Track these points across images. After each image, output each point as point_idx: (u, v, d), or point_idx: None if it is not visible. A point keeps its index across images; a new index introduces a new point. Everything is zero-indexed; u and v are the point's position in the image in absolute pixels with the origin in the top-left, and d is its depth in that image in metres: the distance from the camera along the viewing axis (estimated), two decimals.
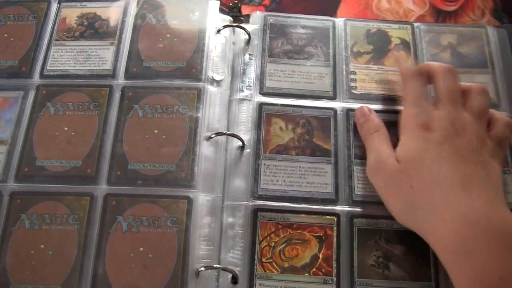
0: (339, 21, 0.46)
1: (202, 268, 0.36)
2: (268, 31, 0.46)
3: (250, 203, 0.39)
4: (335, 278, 0.36)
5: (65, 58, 0.44)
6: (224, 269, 0.36)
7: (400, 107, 0.41)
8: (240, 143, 0.40)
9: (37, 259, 0.36)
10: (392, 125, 0.39)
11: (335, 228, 0.38)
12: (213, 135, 0.40)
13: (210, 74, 0.43)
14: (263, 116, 0.42)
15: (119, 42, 0.45)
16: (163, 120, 0.41)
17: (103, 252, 0.36)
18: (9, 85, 0.43)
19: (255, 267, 0.37)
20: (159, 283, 0.35)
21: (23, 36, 0.45)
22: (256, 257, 0.37)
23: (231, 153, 0.41)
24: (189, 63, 0.43)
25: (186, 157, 0.39)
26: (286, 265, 0.37)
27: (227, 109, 0.42)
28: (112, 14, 0.46)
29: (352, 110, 0.42)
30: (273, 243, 0.37)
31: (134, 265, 0.36)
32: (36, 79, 0.43)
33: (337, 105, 0.42)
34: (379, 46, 0.45)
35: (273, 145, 0.41)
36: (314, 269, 0.37)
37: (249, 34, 0.45)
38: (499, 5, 0.50)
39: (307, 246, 0.37)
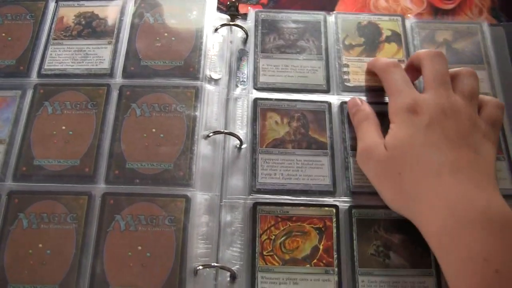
0: (330, 15, 0.47)
1: (200, 267, 0.36)
2: (260, 27, 0.46)
3: (249, 199, 0.39)
4: (336, 269, 0.37)
5: (62, 57, 0.44)
6: (222, 268, 0.36)
7: None
8: (238, 142, 0.40)
9: (35, 258, 0.36)
10: (386, 116, 0.39)
11: (334, 219, 0.38)
12: (211, 134, 0.40)
13: (207, 72, 0.43)
14: (258, 111, 0.42)
15: (117, 41, 0.44)
16: (161, 119, 0.41)
17: (101, 251, 0.36)
18: (7, 84, 0.43)
19: (256, 260, 0.37)
20: (157, 282, 0.35)
21: (20, 35, 0.45)
22: (257, 250, 0.37)
23: (229, 151, 0.41)
24: (186, 62, 0.43)
25: (184, 156, 0.39)
26: (287, 257, 0.37)
27: (224, 107, 0.42)
28: (109, 13, 0.46)
29: (346, 102, 0.42)
30: (273, 236, 0.38)
31: (132, 264, 0.36)
32: (34, 78, 0.43)
33: (331, 98, 0.43)
34: (371, 38, 0.45)
35: (269, 139, 0.41)
36: (315, 260, 0.37)
37: (246, 33, 0.45)
38: (497, 3, 0.50)
39: (307, 238, 0.38)
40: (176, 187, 0.38)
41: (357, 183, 0.39)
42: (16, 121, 0.41)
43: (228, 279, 0.36)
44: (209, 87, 0.42)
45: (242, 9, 0.49)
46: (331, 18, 0.46)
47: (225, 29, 0.46)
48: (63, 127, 0.41)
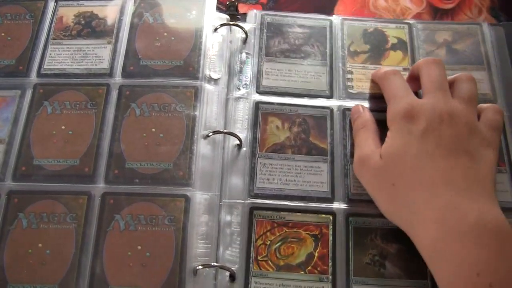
0: (336, 20, 0.46)
1: (200, 267, 0.36)
2: (265, 30, 0.45)
3: (246, 203, 0.39)
4: (330, 277, 0.36)
5: (62, 57, 0.44)
6: (222, 267, 0.36)
7: None
8: (238, 142, 0.40)
9: (35, 258, 0.36)
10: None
11: (330, 227, 0.38)
12: (211, 134, 0.40)
13: (207, 72, 0.43)
14: (260, 115, 0.42)
15: (116, 41, 0.44)
16: (161, 119, 0.41)
17: (101, 251, 0.36)
18: (6, 84, 0.43)
19: (251, 265, 0.37)
20: (157, 281, 0.35)
21: (20, 35, 0.45)
22: (251, 255, 0.37)
23: (228, 151, 0.41)
24: (186, 62, 0.43)
25: (183, 155, 0.39)
26: (281, 263, 0.37)
27: (224, 107, 0.42)
28: (109, 12, 0.46)
29: (349, 109, 0.42)
30: (269, 241, 0.37)
31: (132, 263, 0.36)
32: (33, 78, 0.43)
33: (334, 104, 0.42)
34: (376, 46, 0.45)
35: (269, 144, 0.41)
36: (309, 267, 0.37)
37: (246, 33, 0.45)
38: (496, 3, 0.50)
39: (302, 245, 0.37)
40: (175, 186, 0.38)
41: (356, 191, 0.39)
42: (16, 120, 0.41)
43: (228, 278, 0.36)
44: (208, 86, 0.42)
45: (241, 8, 0.49)
46: (337, 24, 0.46)
47: (224, 29, 0.46)
48: (63, 127, 0.41)
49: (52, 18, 0.46)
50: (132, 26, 0.45)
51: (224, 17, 0.46)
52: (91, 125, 0.41)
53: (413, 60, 0.44)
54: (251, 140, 0.41)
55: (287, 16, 0.46)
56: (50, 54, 0.44)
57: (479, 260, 0.30)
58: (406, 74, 0.41)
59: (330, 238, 0.37)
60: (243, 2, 0.50)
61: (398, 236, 0.37)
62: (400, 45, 0.45)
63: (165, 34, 0.45)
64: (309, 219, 0.38)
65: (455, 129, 0.34)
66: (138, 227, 0.37)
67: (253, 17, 0.46)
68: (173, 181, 0.38)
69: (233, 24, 0.45)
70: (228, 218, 0.38)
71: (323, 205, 0.39)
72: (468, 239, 0.30)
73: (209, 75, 0.43)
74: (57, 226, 0.37)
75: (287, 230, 0.38)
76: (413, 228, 0.33)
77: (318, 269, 0.37)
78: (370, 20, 0.47)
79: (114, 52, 0.44)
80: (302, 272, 0.37)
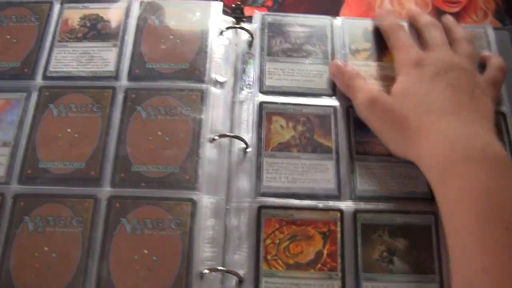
0: (336, 19, 0.46)
1: (207, 271, 0.36)
2: (266, 30, 0.46)
3: (254, 202, 0.39)
4: (340, 273, 0.36)
5: (67, 59, 0.44)
6: (229, 272, 0.36)
7: None
8: (244, 145, 0.40)
9: (41, 261, 0.36)
10: None
11: (338, 224, 0.38)
12: (217, 137, 0.40)
13: (213, 75, 0.43)
14: (264, 115, 0.42)
15: (122, 44, 0.44)
16: (166, 122, 0.41)
17: (107, 254, 0.36)
18: (12, 86, 0.43)
19: (260, 264, 0.37)
20: (164, 286, 0.35)
21: (25, 37, 0.45)
22: (261, 255, 0.37)
23: (235, 155, 0.41)
24: (192, 65, 0.43)
25: (189, 159, 0.39)
26: (291, 261, 0.37)
27: (230, 110, 0.42)
28: (114, 15, 0.46)
29: (352, 107, 0.42)
30: (278, 240, 0.37)
31: (139, 267, 0.36)
32: (39, 80, 0.43)
33: (337, 102, 0.43)
34: (378, 43, 0.45)
35: (274, 143, 0.41)
36: (319, 265, 0.37)
37: (252, 36, 0.45)
38: (502, 6, 0.50)
39: (311, 242, 0.37)
40: (182, 190, 0.38)
41: (362, 187, 0.39)
42: (21, 123, 0.41)
43: (235, 283, 0.36)
44: (214, 90, 0.42)
45: (247, 11, 0.49)
46: (337, 23, 0.46)
47: (230, 32, 0.45)
48: (68, 130, 0.41)
49: (58, 21, 0.46)
50: (138, 29, 0.45)
51: (230, 20, 0.46)
52: (97, 128, 0.41)
53: None
54: (256, 140, 0.41)
55: (287, 16, 0.47)
56: (56, 56, 0.44)
57: (486, 179, 0.32)
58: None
59: (339, 235, 0.38)
60: (248, 4, 0.50)
61: (406, 231, 0.37)
62: None
63: (171, 37, 0.45)
64: (317, 216, 0.38)
65: (460, 77, 0.38)
66: (144, 231, 0.37)
67: (257, 18, 0.46)
68: (180, 185, 0.38)
69: (238, 27, 0.45)
70: (235, 222, 0.38)
71: (331, 203, 0.39)
72: (475, 161, 0.33)
73: (215, 78, 0.43)
74: (63, 230, 0.37)
75: (295, 228, 0.38)
76: (421, 148, 0.35)
77: (328, 266, 0.37)
78: (370, 19, 0.47)
79: (119, 55, 0.44)
80: (312, 270, 0.37)
